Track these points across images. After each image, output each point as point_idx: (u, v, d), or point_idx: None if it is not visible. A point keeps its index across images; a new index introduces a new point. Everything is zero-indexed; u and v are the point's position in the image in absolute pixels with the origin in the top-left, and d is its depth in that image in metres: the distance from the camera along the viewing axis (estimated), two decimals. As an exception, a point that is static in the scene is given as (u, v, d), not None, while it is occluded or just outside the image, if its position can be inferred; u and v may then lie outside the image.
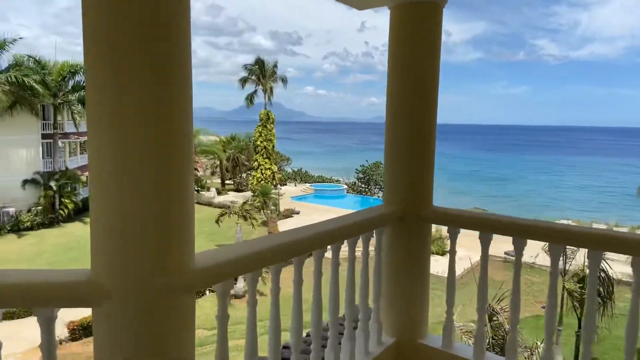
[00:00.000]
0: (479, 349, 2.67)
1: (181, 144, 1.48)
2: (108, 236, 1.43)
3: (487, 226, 2.63)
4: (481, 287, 2.69)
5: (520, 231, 2.53)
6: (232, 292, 18.07)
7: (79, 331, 15.86)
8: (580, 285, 9.01)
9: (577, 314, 9.65)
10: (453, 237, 2.79)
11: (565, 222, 31.59)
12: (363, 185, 47.03)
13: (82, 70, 29.77)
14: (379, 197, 45.73)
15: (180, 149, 1.48)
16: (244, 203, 25.99)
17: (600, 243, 2.31)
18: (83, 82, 30.60)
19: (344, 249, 2.51)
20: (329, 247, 2.35)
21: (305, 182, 49.35)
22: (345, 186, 47.75)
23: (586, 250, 2.44)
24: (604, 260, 9.40)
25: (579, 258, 11.61)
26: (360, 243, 2.61)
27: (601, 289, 8.84)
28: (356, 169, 48.06)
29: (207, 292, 18.09)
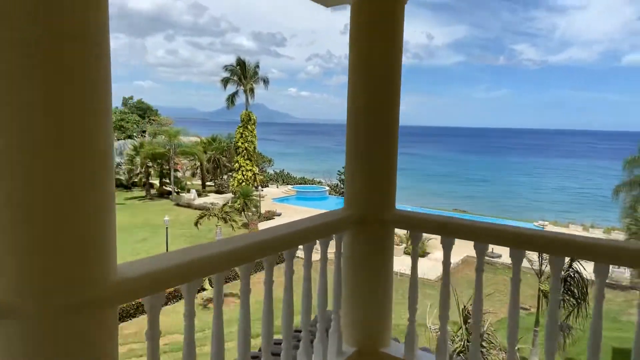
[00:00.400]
0: (441, 357, 2.57)
1: (95, 141, 1.36)
2: (8, 246, 1.27)
3: (449, 231, 2.53)
4: (443, 294, 2.58)
5: (482, 235, 2.43)
6: (210, 295, 17.76)
7: None
8: (555, 286, 9.07)
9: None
10: (415, 241, 2.68)
11: (543, 222, 32.13)
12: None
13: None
14: (361, 198, 45.78)
15: (95, 148, 1.36)
16: (224, 205, 25.69)
17: (562, 249, 2.23)
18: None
19: (317, 253, 2.42)
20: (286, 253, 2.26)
21: (287, 184, 49.14)
22: (328, 188, 47.71)
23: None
24: (578, 262, 9.48)
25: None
26: (328, 248, 2.53)
27: (575, 290, 8.91)
28: (338, 171, 48.07)
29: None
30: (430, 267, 22.06)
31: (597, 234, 29.72)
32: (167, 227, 21.28)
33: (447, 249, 2.55)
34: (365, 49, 2.59)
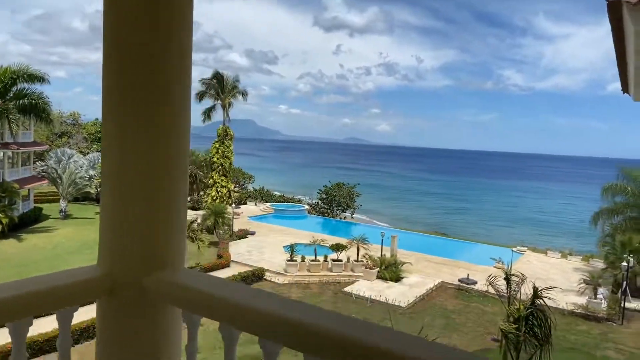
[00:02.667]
0: None
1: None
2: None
3: (230, 315, 1.37)
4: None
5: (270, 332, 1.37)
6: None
7: None
8: (517, 325, 8.22)
9: (512, 360, 8.72)
10: (191, 327, 1.55)
11: (521, 248, 31.56)
12: (325, 206, 46.19)
13: (24, 76, 27.97)
14: (340, 218, 44.97)
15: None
16: (191, 223, 24.57)
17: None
18: (26, 90, 28.73)
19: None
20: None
21: (266, 202, 48.11)
22: (307, 206, 46.78)
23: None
24: (541, 298, 8.72)
25: (525, 289, 10.91)
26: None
27: (538, 331, 8.12)
28: (319, 190, 47.27)
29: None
30: (401, 293, 21.18)
31: (575, 261, 29.23)
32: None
33: (229, 341, 1.44)
34: (132, 35, 1.54)
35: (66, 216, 34.89)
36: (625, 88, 5.73)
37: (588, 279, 21.52)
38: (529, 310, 8.27)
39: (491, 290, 18.79)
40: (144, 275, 1.45)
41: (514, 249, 31.58)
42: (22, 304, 1.44)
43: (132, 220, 1.48)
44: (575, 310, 19.98)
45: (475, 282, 22.75)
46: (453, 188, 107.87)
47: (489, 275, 11.43)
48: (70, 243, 27.88)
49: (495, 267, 26.24)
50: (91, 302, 1.60)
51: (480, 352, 15.64)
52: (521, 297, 10.00)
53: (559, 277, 25.25)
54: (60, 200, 35.32)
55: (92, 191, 39.77)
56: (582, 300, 20.70)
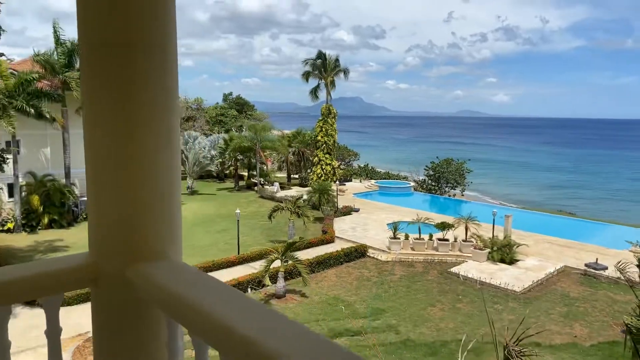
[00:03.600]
0: None
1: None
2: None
3: (195, 323, 1.19)
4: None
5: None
6: (272, 291, 17.68)
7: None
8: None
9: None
10: (171, 326, 1.37)
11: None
12: (433, 183, 44.56)
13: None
14: (449, 196, 43.02)
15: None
16: (297, 199, 25.57)
17: None
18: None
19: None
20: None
21: (372, 179, 47.99)
22: (413, 183, 45.59)
23: None
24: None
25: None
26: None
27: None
28: (426, 166, 45.66)
29: (249, 289, 17.88)
30: (515, 276, 19.64)
31: None
32: (237, 220, 21.71)
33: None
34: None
35: (192, 192, 38.85)
36: None
37: None
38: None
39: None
40: (127, 266, 1.40)
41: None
42: (4, 291, 1.47)
43: (117, 207, 1.45)
44: None
45: (605, 268, 20.15)
46: (583, 162, 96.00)
47: (619, 262, 9.93)
48: (194, 217, 31.07)
49: (631, 250, 22.94)
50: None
51: (606, 344, 13.92)
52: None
53: None
54: (187, 178, 39.35)
55: (213, 169, 43.65)
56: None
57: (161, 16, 1.45)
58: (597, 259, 21.15)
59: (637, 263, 8.83)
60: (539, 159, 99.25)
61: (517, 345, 6.10)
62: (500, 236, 23.29)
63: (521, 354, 5.88)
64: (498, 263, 21.35)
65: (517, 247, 22.16)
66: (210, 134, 53.99)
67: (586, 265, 20.93)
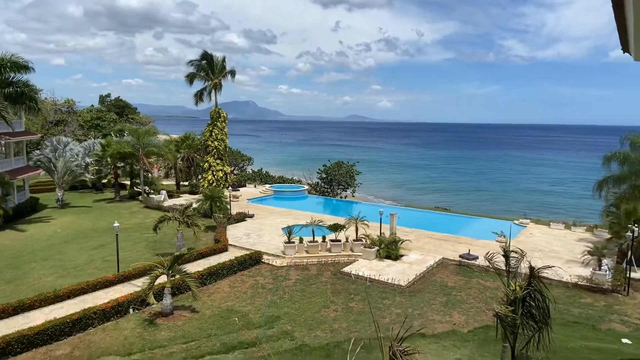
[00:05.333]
0: None
1: None
2: None
3: None
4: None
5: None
6: (158, 309, 16.32)
7: None
8: (513, 308, 7.72)
9: (511, 344, 8.21)
10: None
11: (524, 221, 31.07)
12: (325, 186, 45.70)
13: (8, 65, 27.18)
14: (341, 197, 44.50)
15: None
16: (186, 208, 24.13)
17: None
18: (11, 78, 27.99)
19: None
20: None
21: (266, 183, 47.63)
22: (307, 186, 46.28)
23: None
24: (539, 278, 8.20)
25: (525, 264, 10.38)
26: None
27: (535, 312, 7.62)
28: (318, 169, 46.67)
29: (131, 310, 16.24)
30: (401, 271, 20.83)
31: (579, 232, 28.75)
32: (117, 234, 19.63)
33: None
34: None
35: (63, 205, 34.61)
36: (625, 46, 5.09)
37: (592, 249, 21.00)
38: (526, 291, 7.76)
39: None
40: None
41: (516, 222, 31.11)
42: None
43: None
44: (579, 283, 19.57)
45: (476, 258, 22.36)
46: (455, 162, 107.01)
47: (487, 252, 10.90)
48: (65, 232, 27.61)
49: (497, 241, 25.84)
50: None
51: (481, 329, 15.32)
52: (521, 273, 9.56)
53: (562, 249, 24.82)
54: (57, 189, 34.98)
55: (87, 179, 39.42)
56: (587, 272, 20.27)
57: None
58: (469, 250, 23.38)
59: (502, 253, 9.74)
60: (414, 160, 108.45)
61: (401, 344, 6.21)
62: (387, 234, 24.58)
63: (405, 352, 5.99)
64: (385, 260, 22.46)
65: (402, 242, 23.55)
66: (85, 140, 48.89)
67: (460, 256, 23.01)
